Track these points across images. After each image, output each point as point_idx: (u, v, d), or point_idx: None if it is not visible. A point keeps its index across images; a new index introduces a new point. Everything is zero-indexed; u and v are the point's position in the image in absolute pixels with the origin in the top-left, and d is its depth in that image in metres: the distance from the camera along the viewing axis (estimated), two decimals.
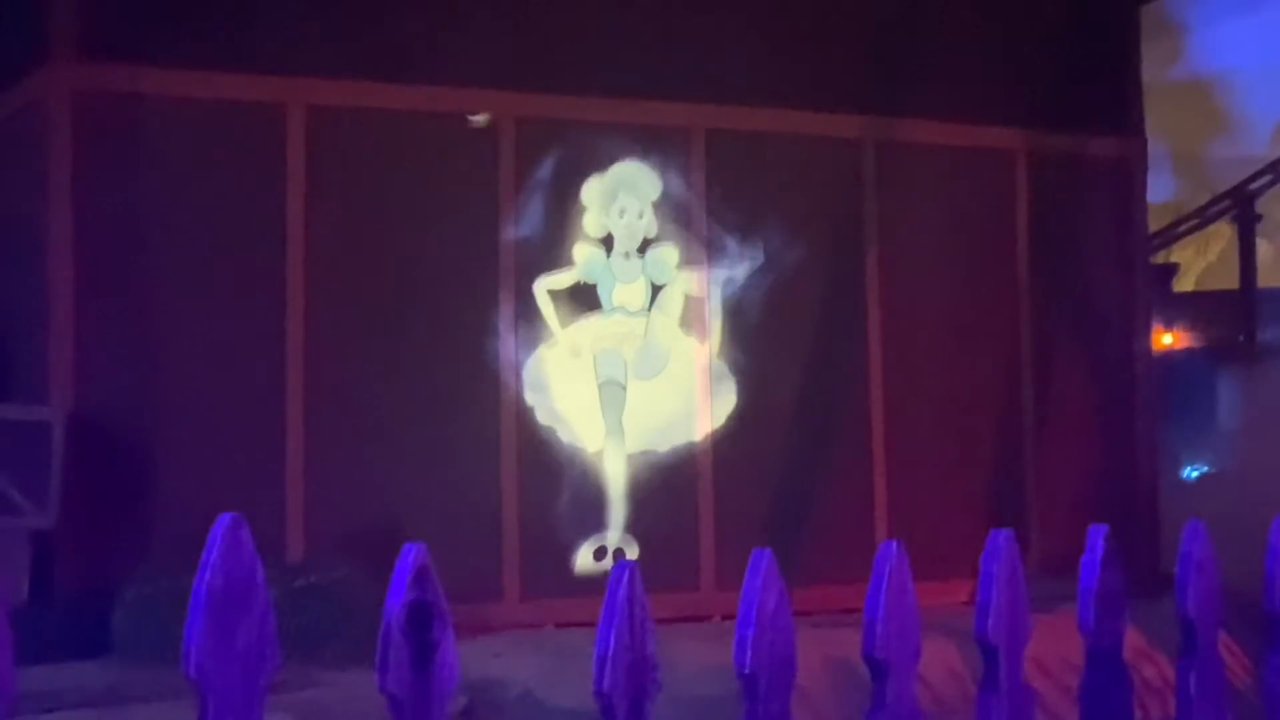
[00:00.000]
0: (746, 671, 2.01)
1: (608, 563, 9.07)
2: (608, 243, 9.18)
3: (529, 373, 8.93)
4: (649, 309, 9.27)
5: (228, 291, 8.36)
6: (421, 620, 1.71)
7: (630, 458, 9.14)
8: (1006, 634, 2.21)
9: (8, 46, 8.79)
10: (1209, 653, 2.51)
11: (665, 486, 9.18)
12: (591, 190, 9.14)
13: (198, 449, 8.15)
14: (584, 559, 8.99)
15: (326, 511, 8.32)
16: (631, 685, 1.91)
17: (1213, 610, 2.53)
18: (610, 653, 1.89)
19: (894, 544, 2.19)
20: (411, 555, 1.72)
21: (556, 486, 8.94)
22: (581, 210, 9.13)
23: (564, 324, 9.06)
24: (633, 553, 9.09)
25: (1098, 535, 2.35)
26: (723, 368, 9.42)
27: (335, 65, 8.60)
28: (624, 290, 9.20)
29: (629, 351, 9.21)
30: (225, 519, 1.61)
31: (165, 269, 8.25)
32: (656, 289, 9.30)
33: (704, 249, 9.38)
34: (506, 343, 8.88)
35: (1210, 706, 2.45)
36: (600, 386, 9.12)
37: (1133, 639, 2.91)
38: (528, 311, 8.96)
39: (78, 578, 7.81)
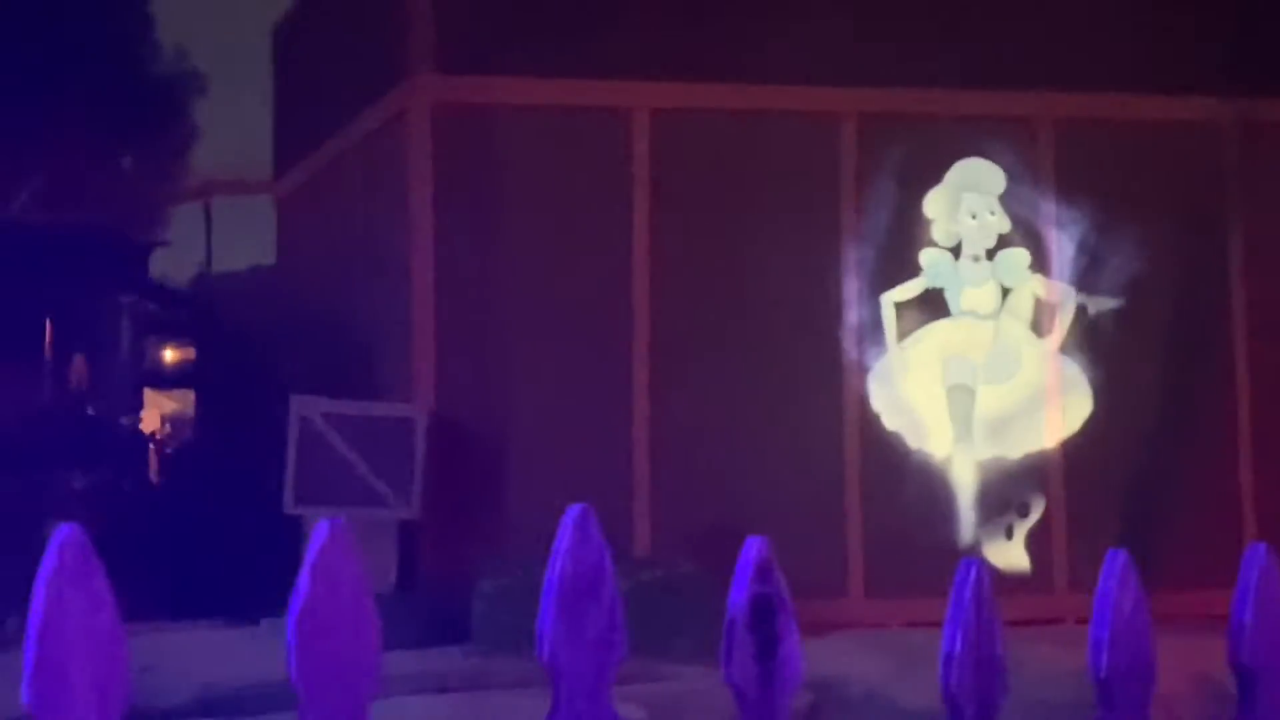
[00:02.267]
0: (1102, 676, 1.94)
1: (1021, 531, 8.92)
2: (956, 248, 9.00)
3: (875, 377, 8.84)
4: (999, 312, 9.04)
5: (576, 294, 8.59)
6: (765, 614, 1.72)
7: (980, 463, 8.94)
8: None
9: (372, 65, 9.28)
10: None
11: (1015, 492, 8.95)
12: (935, 201, 8.96)
13: (549, 446, 8.40)
14: (1000, 540, 8.89)
15: (672, 507, 8.45)
16: (979, 686, 1.86)
17: None
18: (957, 652, 1.85)
19: (1262, 546, 2.06)
20: (755, 549, 1.73)
21: (902, 490, 8.83)
22: (927, 222, 8.96)
23: (910, 330, 8.91)
24: (1037, 508, 8.93)
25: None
26: (1076, 371, 9.09)
27: (677, 67, 8.71)
28: (973, 294, 8.99)
29: (979, 356, 9.00)
30: (575, 510, 1.65)
31: (516, 274, 8.55)
32: (1006, 292, 9.06)
33: (1054, 248, 9.07)
34: (851, 346, 8.81)
35: None
36: (949, 391, 8.94)
37: None
38: (873, 318, 8.86)
39: (440, 567, 8.17)
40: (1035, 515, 8.95)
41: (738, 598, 1.71)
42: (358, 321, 9.46)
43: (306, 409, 8.22)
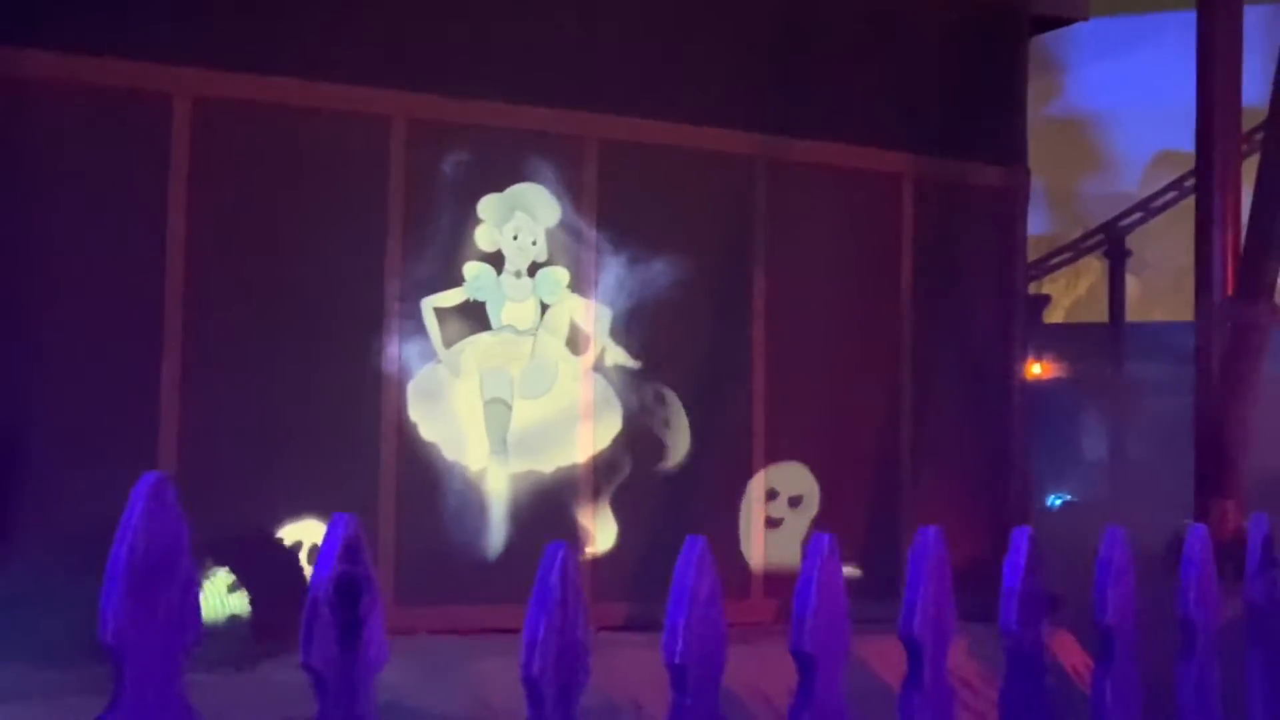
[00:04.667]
0: (676, 661, 1.95)
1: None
2: (498, 260, 9.08)
3: (414, 387, 8.79)
4: (538, 328, 9.19)
5: (102, 284, 8.08)
6: (350, 594, 1.62)
7: (513, 477, 9.04)
8: (932, 631, 2.17)
9: None
10: (1125, 659, 2.50)
11: (546, 505, 9.10)
12: (489, 205, 9.04)
13: (68, 439, 7.87)
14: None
15: (198, 505, 8.04)
16: (561, 671, 1.83)
17: (1130, 617, 2.52)
18: (540, 637, 1.81)
19: (826, 538, 2.14)
20: (342, 525, 1.63)
21: (437, 500, 8.82)
22: (476, 222, 9.02)
23: (451, 341, 8.94)
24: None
25: (1022, 537, 2.32)
26: (608, 390, 9.35)
27: (224, 56, 8.39)
28: (513, 309, 9.11)
29: (516, 370, 9.12)
30: (150, 478, 1.51)
31: (37, 257, 7.96)
32: (546, 308, 9.22)
33: (594, 269, 9.32)
34: (391, 355, 8.73)
35: (1125, 714, 2.43)
36: (486, 404, 9.02)
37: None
38: (415, 325, 8.82)
39: None
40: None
41: (321, 576, 1.60)
42: None
43: None
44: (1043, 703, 2.32)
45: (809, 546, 2.14)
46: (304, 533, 8.30)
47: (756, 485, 9.75)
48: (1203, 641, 2.51)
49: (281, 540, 8.20)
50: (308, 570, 7.81)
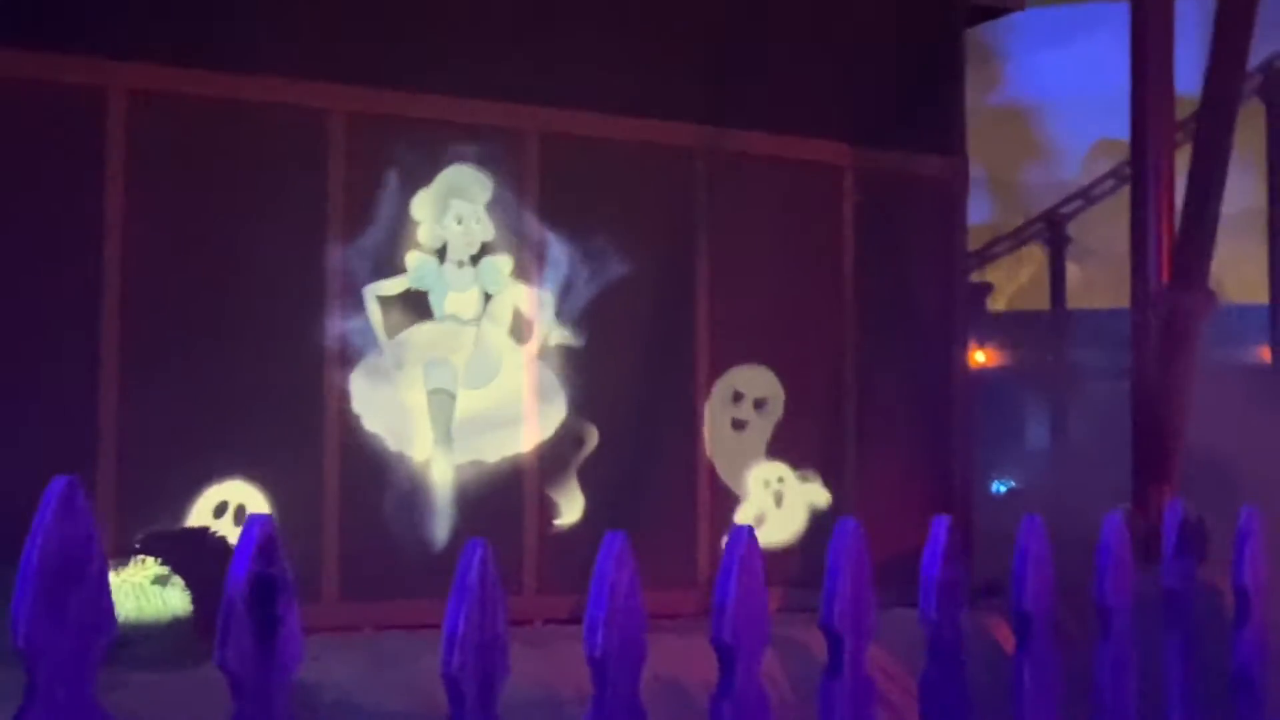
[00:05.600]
0: (597, 655, 1.97)
1: None
2: (441, 252, 9.07)
3: (356, 378, 8.77)
4: (481, 318, 9.18)
5: (40, 280, 8.03)
6: (265, 594, 1.63)
7: (458, 467, 9.04)
8: (852, 622, 2.20)
9: None
10: (1043, 645, 2.54)
11: (492, 496, 9.10)
12: (422, 202, 9.02)
13: (3, 436, 7.81)
14: None
15: (139, 510, 8.04)
16: (481, 667, 1.85)
17: (1048, 604, 2.57)
18: (460, 633, 1.83)
19: (746, 529, 2.17)
20: (257, 527, 1.64)
21: (381, 494, 8.80)
22: (414, 224, 8.99)
23: (394, 331, 8.92)
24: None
25: (941, 526, 2.36)
26: (552, 378, 9.36)
27: (159, 50, 8.33)
28: (456, 298, 9.11)
29: (459, 360, 9.11)
30: (60, 482, 1.51)
31: None
32: (489, 298, 9.21)
33: (536, 258, 9.32)
34: (334, 347, 8.70)
35: (1044, 697, 2.48)
36: (429, 394, 9.00)
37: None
38: (357, 316, 8.80)
39: None
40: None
41: (237, 576, 1.61)
42: None
43: None
44: (961, 688, 2.36)
45: (729, 539, 2.17)
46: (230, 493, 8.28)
47: (703, 478, 9.80)
48: (1118, 626, 2.57)
49: (225, 537, 8.16)
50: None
